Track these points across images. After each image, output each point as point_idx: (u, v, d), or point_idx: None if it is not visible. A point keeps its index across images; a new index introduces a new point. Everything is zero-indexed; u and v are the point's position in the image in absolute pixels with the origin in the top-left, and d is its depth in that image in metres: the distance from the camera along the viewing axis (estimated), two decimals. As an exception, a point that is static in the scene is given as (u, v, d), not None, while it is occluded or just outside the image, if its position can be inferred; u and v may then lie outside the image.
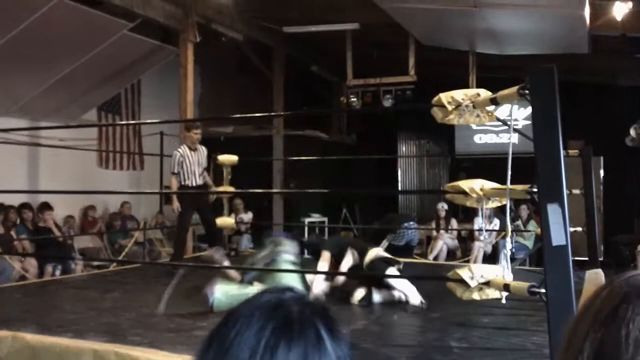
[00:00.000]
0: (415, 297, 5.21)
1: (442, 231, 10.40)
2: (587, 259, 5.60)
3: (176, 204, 7.21)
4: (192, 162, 7.17)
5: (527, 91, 3.05)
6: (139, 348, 3.58)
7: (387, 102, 9.94)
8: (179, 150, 7.21)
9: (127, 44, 8.69)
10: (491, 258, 9.37)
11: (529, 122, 3.14)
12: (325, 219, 11.65)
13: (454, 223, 10.66)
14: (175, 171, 7.14)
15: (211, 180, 7.71)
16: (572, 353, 0.76)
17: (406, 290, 5.20)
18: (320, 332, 0.81)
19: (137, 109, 11.14)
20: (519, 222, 9.91)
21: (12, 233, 8.35)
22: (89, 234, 9.69)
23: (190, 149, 7.20)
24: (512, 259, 3.40)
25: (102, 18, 7.99)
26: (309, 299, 0.86)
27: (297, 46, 11.21)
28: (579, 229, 5.47)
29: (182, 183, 7.15)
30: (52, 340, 3.71)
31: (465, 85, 8.69)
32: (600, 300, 0.77)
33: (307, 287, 5.30)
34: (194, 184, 7.17)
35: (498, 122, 4.03)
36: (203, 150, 7.38)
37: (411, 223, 8.54)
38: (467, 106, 3.43)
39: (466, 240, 10.82)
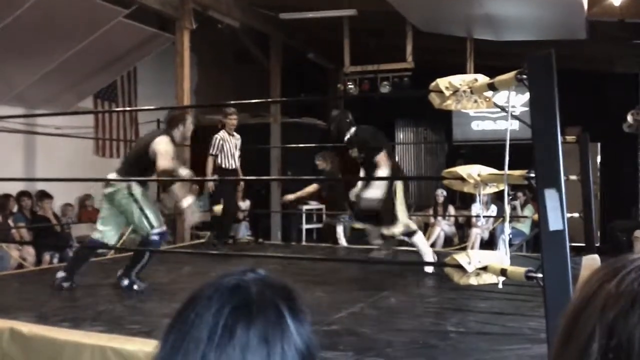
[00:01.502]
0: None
1: (439, 218, 10.41)
2: (584, 244, 5.61)
3: (211, 184, 8.01)
4: (230, 146, 7.62)
5: (524, 77, 3.04)
6: (137, 339, 3.57)
7: (385, 89, 9.92)
8: (219, 134, 7.66)
9: (122, 31, 8.65)
10: (488, 244, 9.40)
11: (526, 108, 3.13)
12: (323, 206, 11.65)
13: (451, 209, 10.68)
14: (214, 153, 7.63)
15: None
16: (574, 349, 0.70)
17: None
18: (282, 311, 0.81)
19: (134, 97, 11.11)
20: (517, 203, 9.93)
21: (10, 221, 8.34)
22: (86, 222, 9.68)
23: (228, 134, 7.65)
24: (509, 245, 3.41)
25: (98, 5, 7.94)
26: (271, 279, 0.86)
27: (294, 33, 11.17)
28: (576, 214, 5.48)
29: (222, 166, 7.60)
30: (50, 333, 3.71)
31: (463, 71, 8.68)
32: (608, 295, 0.69)
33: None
34: (232, 167, 7.62)
35: (496, 108, 4.02)
36: (238, 137, 7.80)
37: None
38: (464, 92, 3.42)
39: (463, 226, 10.85)
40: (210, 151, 7.62)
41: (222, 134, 7.65)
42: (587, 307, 0.71)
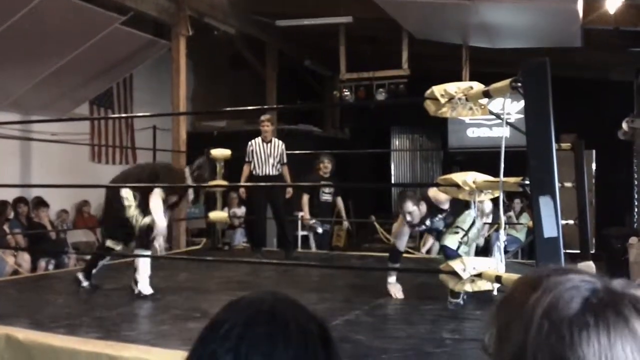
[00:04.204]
0: None
1: (435, 225, 10.42)
2: (578, 251, 5.64)
3: (242, 190, 8.05)
4: (262, 152, 7.50)
5: (519, 84, 3.06)
6: (133, 345, 3.57)
7: (381, 96, 9.94)
8: (252, 141, 7.59)
9: (119, 37, 8.65)
10: (483, 251, 9.40)
11: (522, 115, 3.15)
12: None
13: (447, 217, 10.69)
14: (247, 160, 7.58)
15: (289, 175, 7.83)
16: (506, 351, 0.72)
17: None
18: (315, 340, 0.80)
19: (130, 103, 11.11)
20: (511, 214, 9.95)
21: (5, 227, 8.32)
22: (81, 228, 9.67)
23: (263, 140, 7.55)
24: (505, 252, 3.41)
25: (94, 11, 7.95)
26: (305, 308, 0.85)
27: (290, 40, 11.20)
28: (571, 221, 5.50)
29: (254, 173, 7.52)
30: (46, 340, 3.71)
31: (458, 79, 8.70)
32: (533, 308, 0.71)
33: None
34: (264, 174, 7.49)
35: (491, 115, 4.05)
36: (278, 144, 7.65)
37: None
38: (460, 99, 3.45)
39: (459, 233, 10.85)
40: (245, 158, 7.57)
41: (255, 140, 7.57)
42: (516, 315, 0.74)
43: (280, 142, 7.70)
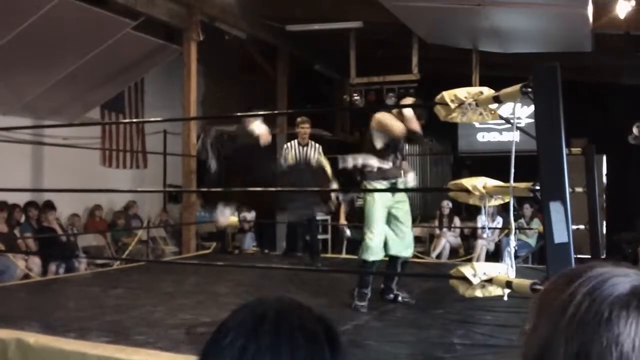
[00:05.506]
0: None
1: (444, 229, 10.40)
2: (589, 256, 5.60)
3: None
4: (298, 155, 7.35)
5: (530, 89, 3.05)
6: (143, 350, 3.59)
7: (390, 101, 9.95)
8: (289, 143, 7.52)
9: (130, 42, 8.70)
10: (494, 256, 9.38)
11: (532, 120, 3.14)
12: (329, 217, 11.65)
13: (456, 221, 10.67)
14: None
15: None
16: (536, 340, 0.71)
17: None
18: (322, 343, 0.79)
19: (141, 108, 11.15)
20: (522, 221, 9.92)
21: (16, 231, 8.36)
22: (92, 232, 9.71)
23: (299, 144, 7.44)
24: (515, 257, 3.40)
25: (106, 16, 8.00)
26: (311, 309, 0.83)
27: (301, 45, 11.21)
28: (582, 226, 5.47)
29: None
30: (56, 344, 3.72)
31: (468, 83, 8.68)
32: (569, 302, 0.69)
33: None
34: None
35: (501, 120, 4.03)
36: (315, 147, 7.49)
37: None
38: (470, 104, 3.44)
39: (469, 238, 10.83)
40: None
41: (292, 143, 7.48)
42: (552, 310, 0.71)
43: (318, 145, 7.54)
